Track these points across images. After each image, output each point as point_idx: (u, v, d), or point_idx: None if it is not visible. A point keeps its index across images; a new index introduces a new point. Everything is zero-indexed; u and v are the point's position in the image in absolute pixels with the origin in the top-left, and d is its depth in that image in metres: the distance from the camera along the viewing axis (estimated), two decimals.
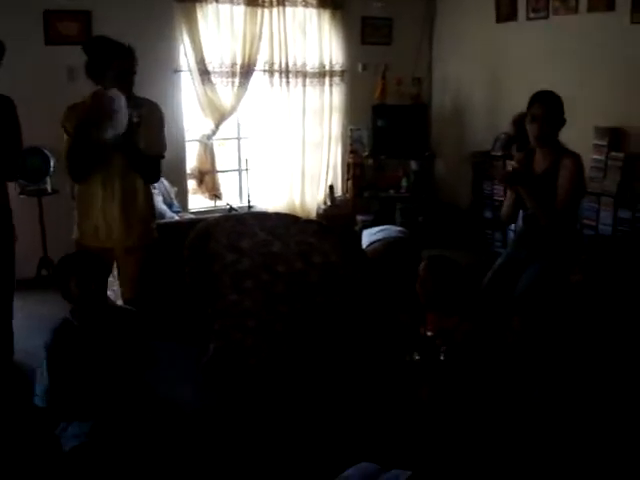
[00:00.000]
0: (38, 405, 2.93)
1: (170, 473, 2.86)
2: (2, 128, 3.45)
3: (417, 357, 3.20)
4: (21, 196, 5.65)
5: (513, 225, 4.79)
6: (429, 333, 3.16)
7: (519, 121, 6.30)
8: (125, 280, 3.50)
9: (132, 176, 3.62)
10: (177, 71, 6.55)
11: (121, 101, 3.39)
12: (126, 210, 3.65)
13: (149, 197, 3.79)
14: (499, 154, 6.80)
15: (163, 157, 3.77)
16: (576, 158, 3.58)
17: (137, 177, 3.66)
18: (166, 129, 3.80)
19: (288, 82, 7.10)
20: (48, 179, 5.83)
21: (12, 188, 3.75)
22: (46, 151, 5.67)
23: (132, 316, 3.16)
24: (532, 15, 6.53)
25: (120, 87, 3.44)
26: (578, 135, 3.78)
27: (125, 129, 3.42)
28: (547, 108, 3.55)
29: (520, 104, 6.07)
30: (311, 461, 3.22)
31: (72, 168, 3.59)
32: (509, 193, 3.80)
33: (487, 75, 7.20)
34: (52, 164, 5.72)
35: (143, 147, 3.55)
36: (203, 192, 6.80)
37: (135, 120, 3.46)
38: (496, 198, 6.87)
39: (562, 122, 3.61)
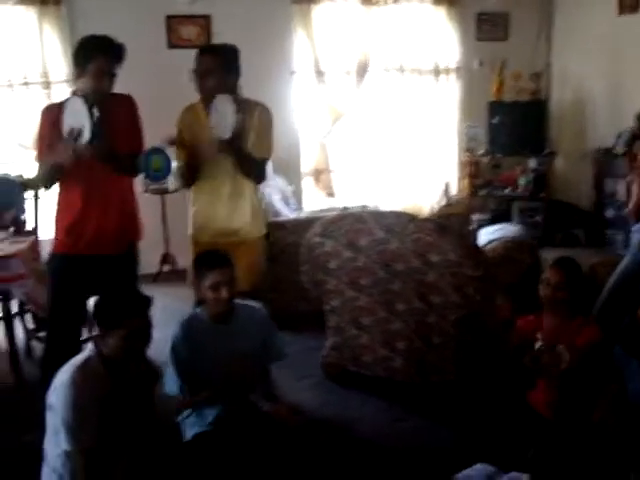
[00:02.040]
0: (171, 394, 3.02)
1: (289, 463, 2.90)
2: (122, 125, 3.56)
3: (533, 362, 3.12)
4: (145, 194, 5.87)
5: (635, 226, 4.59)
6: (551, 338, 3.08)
7: None
8: (241, 271, 3.57)
9: (240, 176, 3.69)
10: (293, 72, 6.65)
11: (226, 107, 3.44)
12: (234, 208, 3.74)
13: (256, 195, 3.85)
14: (622, 151, 6.56)
15: (268, 159, 3.81)
16: None
17: (243, 176, 3.73)
18: (276, 131, 3.80)
19: (403, 80, 7.08)
20: (170, 178, 6.03)
21: (137, 187, 3.86)
22: (167, 151, 5.86)
23: (258, 311, 3.23)
24: None
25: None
26: None
27: (231, 134, 3.45)
28: None
29: None
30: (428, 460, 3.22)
31: (185, 182, 3.79)
32: (636, 191, 3.66)
33: (608, 69, 6.95)
34: (174, 164, 5.90)
35: (250, 149, 3.60)
36: (319, 190, 6.87)
37: (238, 126, 3.46)
38: (618, 197, 6.63)
39: None
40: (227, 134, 3.43)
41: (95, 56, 3.32)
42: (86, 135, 3.29)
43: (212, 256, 3.11)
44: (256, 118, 3.64)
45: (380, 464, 3.22)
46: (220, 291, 2.97)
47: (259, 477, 2.79)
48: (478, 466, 3.02)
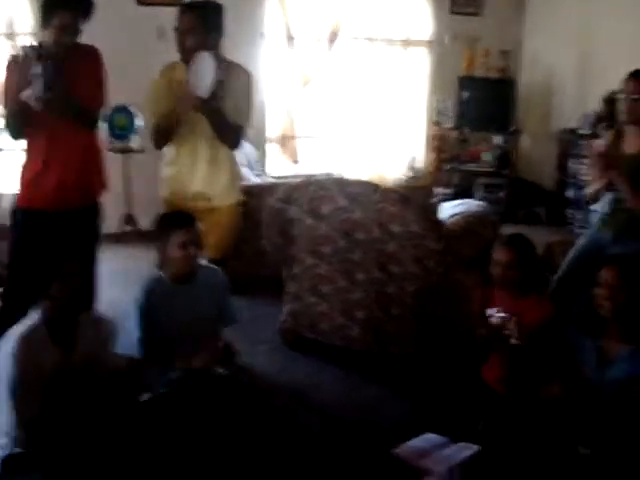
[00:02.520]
0: (129, 353, 2.99)
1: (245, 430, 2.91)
2: (83, 77, 3.50)
3: (484, 336, 3.16)
4: (108, 153, 5.77)
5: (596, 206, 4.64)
6: (502, 314, 3.11)
7: (610, 100, 6.16)
8: (210, 240, 3.53)
9: (217, 141, 3.62)
10: (262, 35, 6.57)
11: (207, 64, 3.36)
12: (210, 174, 3.68)
13: (233, 161, 3.80)
14: (587, 132, 6.62)
15: (245, 126, 3.71)
16: None
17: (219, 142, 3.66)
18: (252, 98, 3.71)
19: (374, 50, 7.05)
20: (134, 137, 5.95)
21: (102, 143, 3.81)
22: (132, 109, 5.78)
23: (217, 274, 3.21)
24: None
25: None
26: None
27: (208, 94, 3.38)
28: None
29: (612, 82, 5.93)
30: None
31: (158, 140, 3.67)
32: (596, 174, 3.68)
33: (579, 50, 6.99)
34: (139, 123, 5.82)
35: (228, 113, 3.52)
36: (284, 156, 6.85)
37: (216, 87, 3.38)
38: (581, 177, 6.71)
39: None
40: (205, 93, 3.36)
41: (60, 11, 3.25)
42: (38, 87, 3.24)
43: (179, 215, 3.09)
44: (237, 81, 3.56)
45: (334, 432, 3.24)
46: (188, 249, 2.93)
47: (213, 439, 2.80)
48: (428, 436, 3.07)
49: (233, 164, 3.78)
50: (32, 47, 3.31)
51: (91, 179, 3.63)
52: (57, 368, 2.61)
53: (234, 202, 3.82)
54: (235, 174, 3.81)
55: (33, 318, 2.68)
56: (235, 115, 3.55)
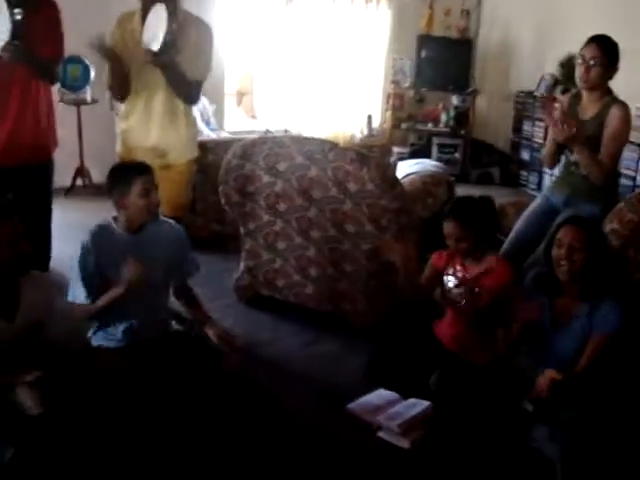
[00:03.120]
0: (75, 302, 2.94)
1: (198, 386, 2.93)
2: (43, 28, 3.42)
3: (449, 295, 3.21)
4: (60, 104, 5.66)
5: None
6: (463, 275, 3.16)
7: (568, 63, 6.21)
8: (165, 197, 3.51)
9: (173, 95, 3.60)
10: None
11: (162, 16, 3.33)
12: (166, 128, 3.66)
13: (190, 116, 3.78)
14: (543, 95, 6.68)
15: (203, 81, 3.69)
16: (625, 108, 3.47)
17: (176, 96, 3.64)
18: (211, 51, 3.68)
19: (332, 6, 6.98)
20: (88, 89, 5.83)
21: (53, 96, 3.74)
22: (87, 61, 5.66)
23: (174, 227, 3.18)
24: None
25: None
26: (625, 83, 3.67)
27: (161, 46, 3.34)
28: (599, 52, 3.43)
29: (568, 45, 5.99)
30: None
31: (115, 93, 3.68)
32: (552, 136, 3.73)
33: (536, 13, 7.01)
34: (92, 74, 5.71)
35: (184, 67, 3.49)
36: (242, 111, 6.79)
37: (169, 39, 3.34)
38: (535, 140, 6.80)
39: (614, 69, 3.49)
40: (156, 45, 3.32)
41: None
42: (5, 35, 3.16)
43: (133, 165, 3.04)
44: (194, 34, 3.52)
45: (284, 387, 3.27)
46: (150, 196, 2.90)
47: (166, 393, 2.80)
48: (380, 392, 3.13)
49: (190, 119, 3.75)
50: None
51: (44, 135, 3.57)
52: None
53: (190, 159, 3.82)
54: (192, 130, 3.80)
55: None
56: (192, 69, 3.52)
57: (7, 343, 2.52)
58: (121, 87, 3.60)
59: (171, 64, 3.43)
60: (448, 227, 3.10)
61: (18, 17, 3.19)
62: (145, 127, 3.65)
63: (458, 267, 3.18)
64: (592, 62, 3.42)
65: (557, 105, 3.67)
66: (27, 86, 3.41)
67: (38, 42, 3.35)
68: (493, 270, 3.09)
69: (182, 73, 3.49)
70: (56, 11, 3.51)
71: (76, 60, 5.65)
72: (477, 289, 3.04)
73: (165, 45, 3.33)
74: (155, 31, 3.34)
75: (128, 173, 2.94)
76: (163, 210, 3.52)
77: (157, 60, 3.39)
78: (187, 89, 3.59)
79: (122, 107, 3.76)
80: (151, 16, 3.37)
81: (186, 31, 3.47)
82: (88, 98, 5.86)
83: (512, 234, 3.81)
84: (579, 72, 3.50)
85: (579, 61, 3.50)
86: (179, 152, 3.74)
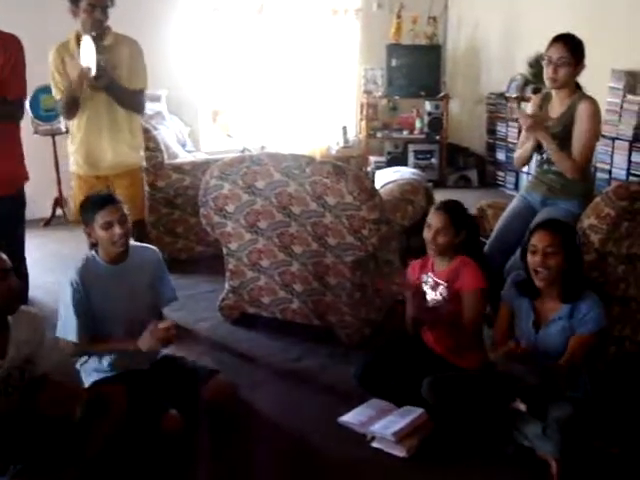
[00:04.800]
0: (67, 339, 2.95)
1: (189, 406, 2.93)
2: (8, 68, 3.44)
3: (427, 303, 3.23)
4: (35, 136, 5.64)
5: (526, 168, 4.75)
6: (435, 279, 3.18)
7: (536, 63, 6.27)
8: (127, 203, 3.61)
9: (114, 108, 3.83)
10: (189, 8, 6.47)
11: (90, 46, 3.60)
12: (113, 140, 3.89)
13: (135, 126, 4.03)
14: (514, 95, 6.75)
15: (145, 89, 3.97)
16: (593, 103, 3.52)
17: (118, 109, 3.86)
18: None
19: (302, 20, 7.01)
20: (61, 119, 5.81)
21: (25, 128, 3.75)
22: None
23: (151, 252, 3.20)
24: None
25: (92, 21, 3.65)
26: (594, 77, 3.72)
27: (96, 72, 3.61)
28: (565, 51, 3.47)
29: (536, 45, 6.05)
30: None
31: (66, 113, 3.90)
32: (524, 138, 3.76)
33: (503, 15, 7.09)
34: None
35: (125, 82, 3.79)
36: (218, 131, 6.80)
37: (102, 64, 3.62)
38: (510, 140, 6.85)
39: (581, 67, 3.54)
40: (91, 72, 3.61)
41: None
42: None
43: (97, 197, 3.07)
44: (126, 51, 3.83)
45: (277, 402, 3.27)
46: (113, 229, 2.91)
47: (159, 417, 2.80)
48: (371, 401, 3.13)
49: (135, 129, 4.03)
50: None
51: (12, 170, 3.60)
52: None
53: (140, 165, 4.10)
54: (138, 138, 4.08)
55: None
56: (132, 81, 3.85)
57: (1, 381, 2.50)
58: (73, 105, 3.80)
59: (111, 83, 3.73)
60: (434, 217, 3.14)
61: (102, 64, 3.47)
62: (93, 143, 3.87)
63: (430, 274, 3.21)
64: (559, 62, 3.47)
65: (528, 105, 3.71)
66: None
67: (1, 86, 3.39)
68: (461, 272, 3.11)
69: (123, 87, 3.80)
70: (19, 49, 3.57)
71: (48, 90, 5.62)
72: (443, 301, 3.11)
73: (99, 69, 3.63)
74: (88, 60, 3.62)
75: (89, 207, 2.99)
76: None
77: (98, 83, 3.67)
78: (131, 99, 3.89)
79: (70, 128, 4.00)
80: (82, 48, 3.64)
81: (119, 49, 3.80)
82: (62, 128, 5.82)
83: (492, 236, 3.84)
84: (547, 73, 3.54)
85: (546, 61, 3.54)
86: (130, 160, 3.99)
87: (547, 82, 3.57)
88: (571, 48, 3.47)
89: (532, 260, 2.84)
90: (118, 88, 3.78)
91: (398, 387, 3.15)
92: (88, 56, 3.62)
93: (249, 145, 6.42)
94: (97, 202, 2.98)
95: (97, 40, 3.63)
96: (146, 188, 4.42)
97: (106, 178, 3.94)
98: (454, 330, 3.11)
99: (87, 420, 2.62)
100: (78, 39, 3.72)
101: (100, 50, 3.63)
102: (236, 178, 3.78)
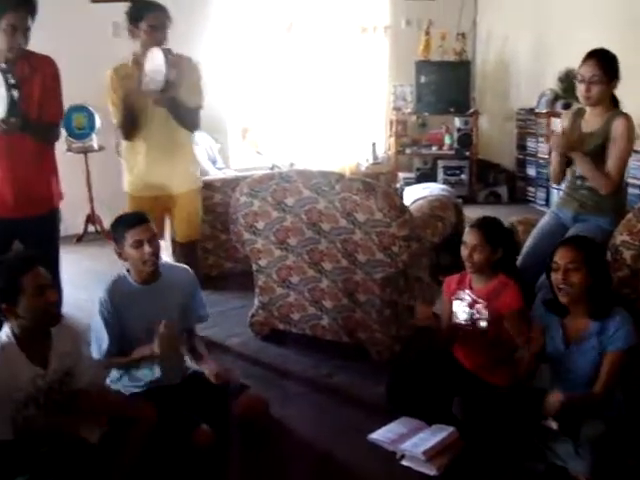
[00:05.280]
0: (98, 357, 2.99)
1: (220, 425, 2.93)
2: (40, 93, 3.49)
3: (459, 319, 3.21)
4: (68, 153, 5.73)
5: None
6: (473, 297, 3.16)
7: (567, 78, 6.25)
8: (180, 223, 3.63)
9: (173, 127, 3.81)
10: (219, 28, 6.54)
11: (160, 59, 3.56)
12: (170, 159, 3.86)
13: (190, 146, 4.04)
14: (544, 111, 6.72)
15: (201, 107, 3.96)
16: (628, 120, 3.48)
17: (177, 128, 3.85)
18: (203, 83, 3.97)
19: (331, 37, 7.06)
20: (94, 136, 5.90)
21: (58, 145, 3.80)
22: (91, 108, 5.73)
23: (184, 272, 3.22)
24: None
25: (152, 41, 3.67)
26: (627, 92, 3.69)
27: (163, 85, 3.59)
28: (598, 69, 3.42)
29: (566, 60, 6.03)
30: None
31: (126, 133, 3.85)
32: (555, 154, 3.74)
33: (532, 31, 7.07)
34: (98, 121, 5.78)
35: (184, 100, 3.75)
36: (247, 147, 6.86)
37: (171, 79, 3.60)
38: (540, 156, 6.82)
39: (615, 83, 3.49)
40: (159, 86, 3.58)
41: (5, 14, 3.25)
42: (1, 111, 3.25)
43: (127, 216, 3.10)
44: (186, 69, 3.78)
45: (307, 419, 3.27)
46: (143, 248, 2.93)
47: (190, 432, 2.81)
48: (401, 419, 3.12)
49: (192, 149, 4.04)
50: (3, 71, 3.28)
51: (49, 189, 3.65)
52: (34, 386, 2.51)
53: (196, 186, 4.06)
54: (194, 159, 4.07)
55: (2, 337, 2.55)
56: (191, 99, 3.81)
57: (43, 392, 2.54)
58: (132, 125, 3.79)
59: (174, 99, 3.69)
60: (470, 235, 3.13)
61: (14, 93, 3.25)
62: (151, 163, 3.84)
63: (467, 290, 3.19)
64: (592, 80, 3.43)
65: (559, 121, 3.68)
66: (31, 147, 3.49)
67: (37, 109, 3.44)
68: (501, 293, 3.10)
69: (184, 104, 3.76)
70: (54, 71, 3.57)
71: (80, 108, 5.73)
72: (483, 321, 3.08)
73: (167, 84, 3.59)
74: (153, 74, 3.57)
75: (121, 226, 3.01)
76: (178, 238, 3.63)
77: (163, 98, 3.65)
78: (190, 117, 3.88)
79: (125, 147, 3.95)
80: (149, 61, 3.59)
81: (180, 68, 3.73)
82: (95, 146, 5.92)
83: (522, 252, 3.81)
84: (580, 90, 3.51)
85: (579, 79, 3.50)
86: (186, 181, 3.97)
87: (581, 100, 3.54)
88: (604, 65, 3.43)
89: (554, 277, 2.82)
90: (180, 105, 3.75)
91: (428, 404, 3.13)
92: (156, 68, 3.57)
93: (278, 162, 6.47)
94: (128, 221, 3.01)
95: (165, 54, 3.59)
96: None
97: (164, 199, 3.93)
98: (488, 348, 3.09)
99: (110, 440, 2.63)
100: (136, 61, 3.71)
101: (168, 64, 3.57)
102: (266, 195, 3.80)
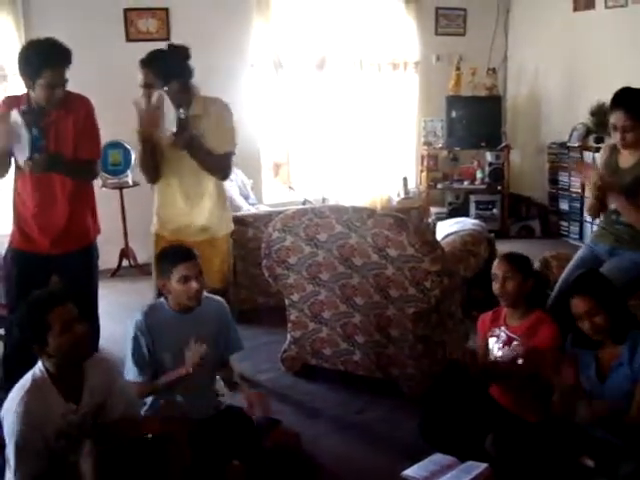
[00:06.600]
0: (130, 380, 3.00)
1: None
2: (76, 131, 3.55)
3: (494, 356, 3.18)
4: (103, 189, 5.82)
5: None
6: (509, 333, 3.14)
7: (598, 111, 6.24)
8: (209, 271, 3.53)
9: (200, 171, 3.65)
10: (253, 65, 6.64)
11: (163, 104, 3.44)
12: (196, 205, 3.73)
13: (221, 192, 3.83)
14: (576, 145, 6.70)
15: (233, 154, 3.76)
16: None
17: (207, 174, 3.70)
18: (236, 125, 3.78)
19: (362, 73, 7.14)
20: (129, 172, 6.00)
21: (95, 181, 3.86)
22: (127, 145, 5.83)
23: (220, 304, 3.24)
24: (610, 3, 6.39)
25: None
26: None
27: (177, 127, 3.44)
28: (627, 119, 3.40)
29: (597, 94, 6.03)
30: None
31: (145, 173, 3.74)
32: (592, 189, 3.72)
33: (563, 65, 7.08)
34: (133, 158, 5.87)
35: (212, 145, 3.58)
36: (279, 183, 6.92)
37: (182, 117, 3.46)
38: (573, 190, 6.78)
39: None
40: (164, 129, 3.42)
41: (43, 72, 3.29)
42: (26, 151, 3.30)
43: (177, 250, 3.10)
44: (213, 114, 3.62)
45: (339, 456, 3.26)
46: (190, 283, 2.95)
47: (223, 467, 2.81)
48: (436, 456, 3.09)
49: (221, 195, 3.82)
50: (23, 112, 3.33)
51: (87, 225, 3.70)
52: (66, 421, 2.54)
53: (226, 232, 3.89)
54: (224, 204, 3.86)
55: (36, 372, 2.57)
56: (220, 143, 3.60)
57: (75, 426, 2.55)
58: (153, 168, 3.68)
59: (192, 141, 3.51)
60: (498, 267, 3.12)
61: (34, 134, 3.30)
62: (175, 206, 3.72)
63: (502, 327, 3.17)
64: (624, 129, 3.42)
65: (596, 156, 3.66)
66: (69, 185, 3.55)
67: (72, 148, 3.49)
68: (538, 330, 3.07)
69: (208, 149, 3.56)
70: (90, 110, 3.61)
71: (116, 145, 5.83)
72: (519, 359, 3.04)
73: (180, 124, 3.44)
74: (167, 117, 3.43)
75: (168, 260, 3.03)
76: (210, 283, 3.59)
77: (177, 140, 3.47)
78: (217, 163, 3.65)
79: (156, 189, 3.82)
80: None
81: (208, 112, 3.60)
82: (130, 182, 6.01)
83: (557, 287, 3.78)
84: (615, 137, 3.50)
85: (611, 127, 3.50)
86: (216, 228, 3.79)
87: (618, 145, 3.53)
88: (633, 111, 3.41)
89: (581, 324, 2.82)
90: (200, 148, 3.55)
91: (462, 441, 3.10)
92: (166, 112, 3.42)
93: (310, 197, 6.51)
94: (177, 255, 3.02)
95: (169, 96, 3.43)
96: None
97: (193, 244, 3.65)
98: (524, 385, 3.06)
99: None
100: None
101: (176, 105, 3.43)
102: (298, 230, 3.83)
